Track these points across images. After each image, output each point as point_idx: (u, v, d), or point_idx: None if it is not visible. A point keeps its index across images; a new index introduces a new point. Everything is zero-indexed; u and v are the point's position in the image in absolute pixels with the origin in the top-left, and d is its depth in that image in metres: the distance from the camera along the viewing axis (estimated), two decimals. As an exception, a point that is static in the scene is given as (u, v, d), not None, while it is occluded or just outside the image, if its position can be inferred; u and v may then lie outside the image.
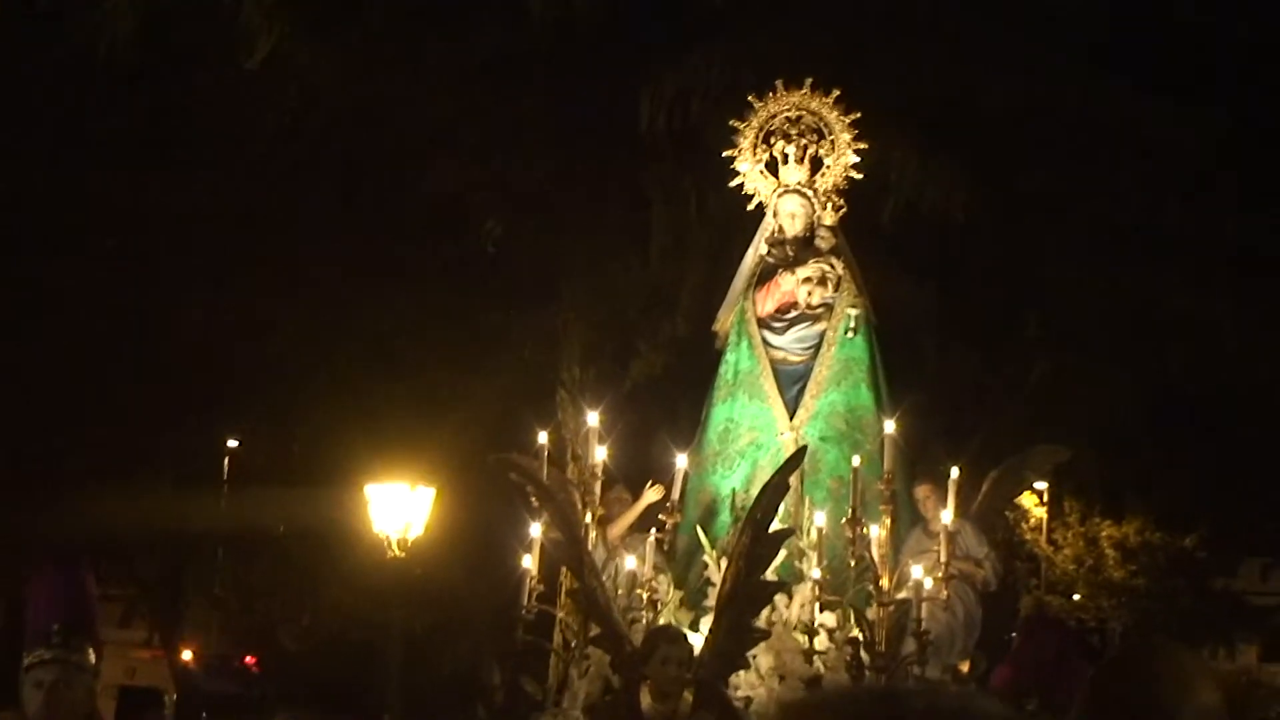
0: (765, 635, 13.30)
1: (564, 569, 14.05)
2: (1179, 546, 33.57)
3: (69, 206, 20.05)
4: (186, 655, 34.10)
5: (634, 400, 17.86)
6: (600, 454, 14.28)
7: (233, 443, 28.70)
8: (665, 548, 14.57)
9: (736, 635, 12.96)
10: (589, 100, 20.42)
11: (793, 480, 14.56)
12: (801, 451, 13.56)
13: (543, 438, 14.23)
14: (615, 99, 20.27)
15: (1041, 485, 32.03)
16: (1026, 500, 32.73)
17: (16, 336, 19.69)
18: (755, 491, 14.84)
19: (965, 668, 14.87)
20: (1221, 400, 26.80)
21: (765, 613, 13.76)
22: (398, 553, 23.54)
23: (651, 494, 14.77)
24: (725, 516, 14.77)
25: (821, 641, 13.82)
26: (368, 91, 19.97)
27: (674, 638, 12.65)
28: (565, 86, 20.26)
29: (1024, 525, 34.55)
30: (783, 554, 14.04)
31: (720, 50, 17.90)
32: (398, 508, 23.37)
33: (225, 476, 29.81)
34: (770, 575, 13.83)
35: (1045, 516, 34.94)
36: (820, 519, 14.00)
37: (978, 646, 15.09)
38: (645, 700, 12.49)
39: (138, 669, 32.26)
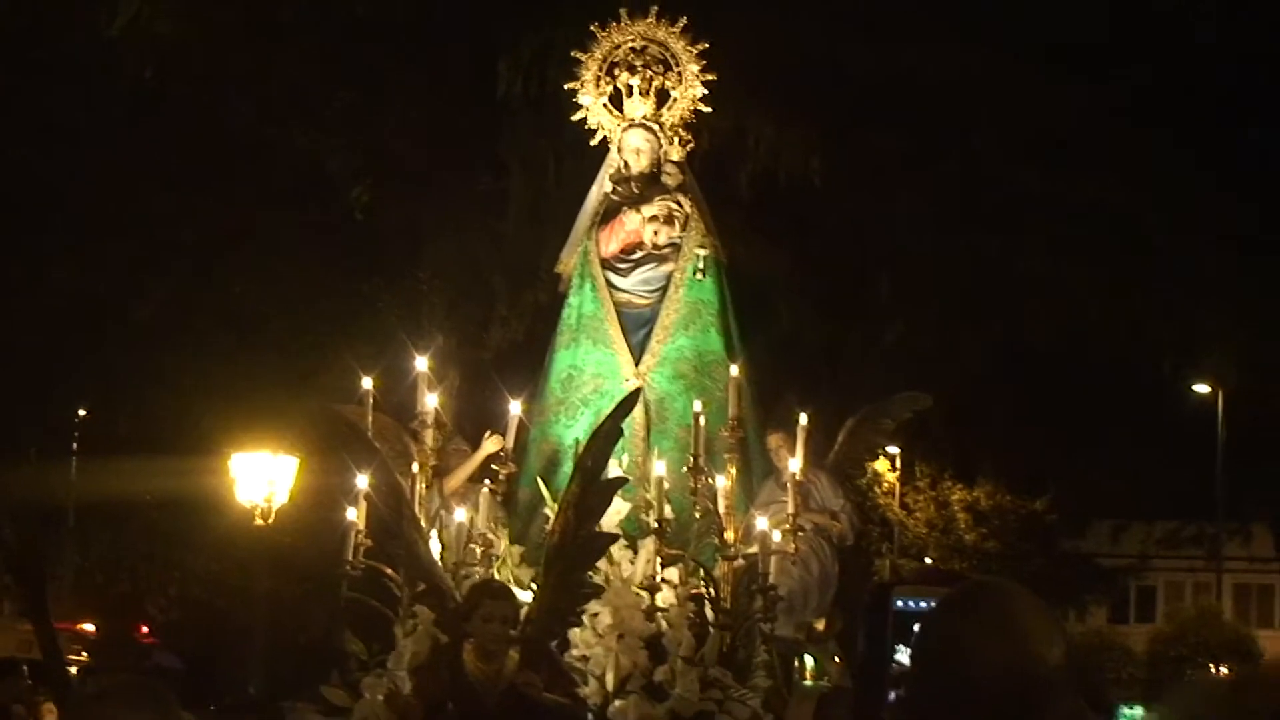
0: (598, 591, 11.45)
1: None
2: (1029, 510, 32.42)
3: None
4: (88, 627, 32.48)
5: (500, 368, 15.75)
6: (431, 401, 12.32)
7: (81, 412, 26.92)
8: (499, 499, 12.65)
9: (567, 591, 11.17)
10: (452, 65, 18.52)
11: (639, 429, 13.08)
12: (634, 395, 11.67)
13: (367, 383, 12.29)
14: (477, 64, 18.40)
15: (894, 450, 31.24)
16: (879, 465, 31.97)
17: None
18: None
19: (820, 625, 13.02)
20: (1070, 364, 25.50)
21: (604, 567, 11.95)
22: (262, 521, 22.01)
23: (490, 444, 12.85)
24: (568, 468, 12.77)
25: (664, 598, 11.90)
26: (232, 58, 18.02)
27: (496, 593, 10.80)
28: (429, 52, 18.34)
29: (877, 490, 33.29)
30: (627, 507, 12.44)
31: (575, 14, 15.78)
32: (262, 476, 21.83)
33: (77, 446, 27.93)
34: (613, 528, 12.14)
35: (897, 481, 33.64)
36: (661, 468, 12.11)
37: (834, 604, 13.19)
38: (470, 660, 10.53)
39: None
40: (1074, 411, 26.87)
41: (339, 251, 19.90)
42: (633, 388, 13.18)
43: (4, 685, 15.75)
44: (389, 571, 11.97)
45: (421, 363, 12.42)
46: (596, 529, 11.33)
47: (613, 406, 12.69)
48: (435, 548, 12.19)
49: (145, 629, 32.85)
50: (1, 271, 19.43)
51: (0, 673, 16.61)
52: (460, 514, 12.33)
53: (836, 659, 13.11)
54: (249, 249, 20.26)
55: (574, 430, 13.20)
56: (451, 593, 11.42)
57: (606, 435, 11.36)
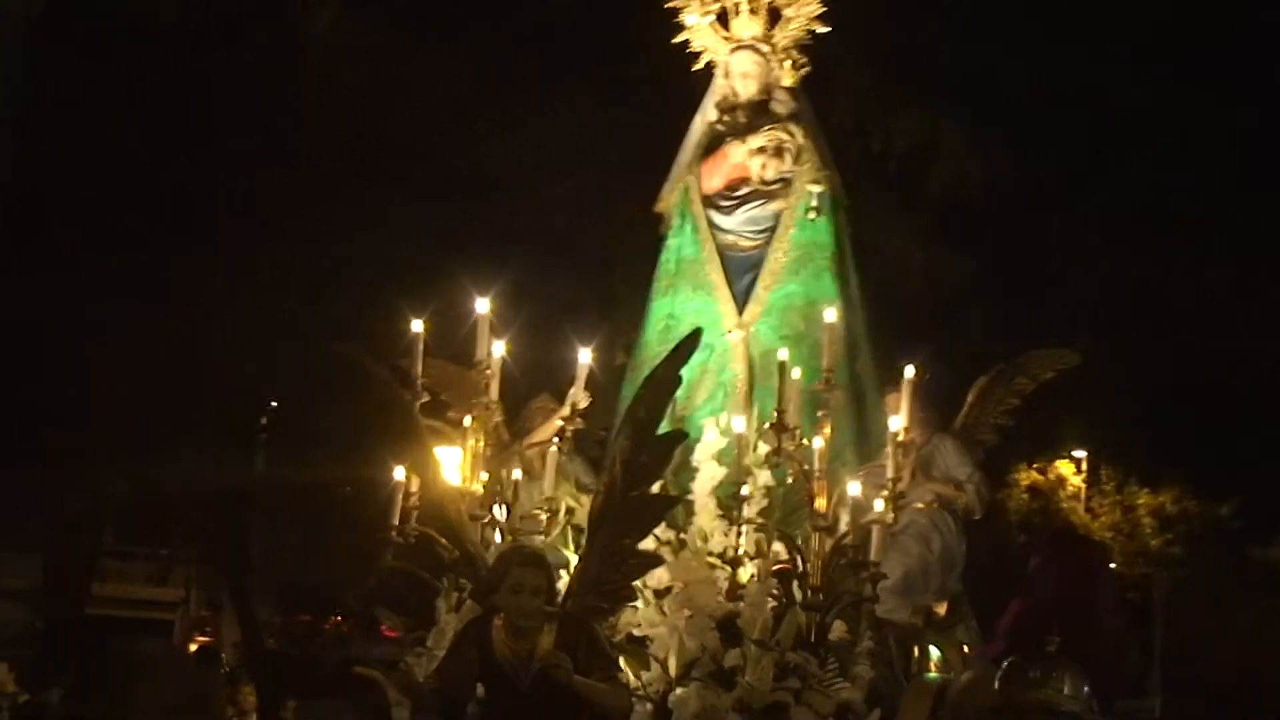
0: (653, 562, 8.56)
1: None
2: (1215, 515, 29.14)
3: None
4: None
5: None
6: (497, 349, 9.48)
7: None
8: (579, 460, 9.90)
9: (613, 561, 8.25)
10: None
11: (741, 385, 10.43)
12: (694, 337, 8.74)
13: (416, 326, 9.44)
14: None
15: (1080, 454, 28.60)
16: (1064, 468, 29.02)
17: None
18: (699, 398, 10.35)
19: (942, 610, 10.05)
20: (1258, 371, 22.26)
21: (671, 536, 9.08)
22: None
23: (579, 399, 9.87)
24: (664, 428, 9.86)
25: (745, 573, 9.02)
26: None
27: (528, 560, 7.93)
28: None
29: (1061, 493, 30.10)
30: (722, 471, 9.73)
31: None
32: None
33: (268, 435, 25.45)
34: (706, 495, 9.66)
35: (1084, 484, 30.45)
36: (741, 425, 9.30)
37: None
38: (498, 637, 7.66)
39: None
40: (1265, 415, 23.73)
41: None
42: (737, 340, 10.44)
43: (206, 671, 13.82)
44: (441, 539, 9.20)
45: (483, 304, 9.58)
46: (652, 490, 8.42)
47: (728, 363, 10.45)
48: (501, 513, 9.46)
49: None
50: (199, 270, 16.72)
51: (202, 659, 15.53)
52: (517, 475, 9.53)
53: (966, 648, 10.10)
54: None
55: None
56: (482, 559, 8.61)
57: (661, 382, 8.52)
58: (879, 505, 9.10)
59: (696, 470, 9.82)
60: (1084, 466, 28.93)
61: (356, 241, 14.66)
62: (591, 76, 14.26)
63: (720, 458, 9.82)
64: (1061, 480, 28.73)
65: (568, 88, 14.35)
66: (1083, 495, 29.53)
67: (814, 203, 10.61)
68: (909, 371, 9.62)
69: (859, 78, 14.59)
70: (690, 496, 9.69)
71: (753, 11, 10.84)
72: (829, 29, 10.93)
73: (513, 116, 13.95)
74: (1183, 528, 29.14)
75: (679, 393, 9.53)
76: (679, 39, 11.00)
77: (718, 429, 9.95)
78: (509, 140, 13.90)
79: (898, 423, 9.34)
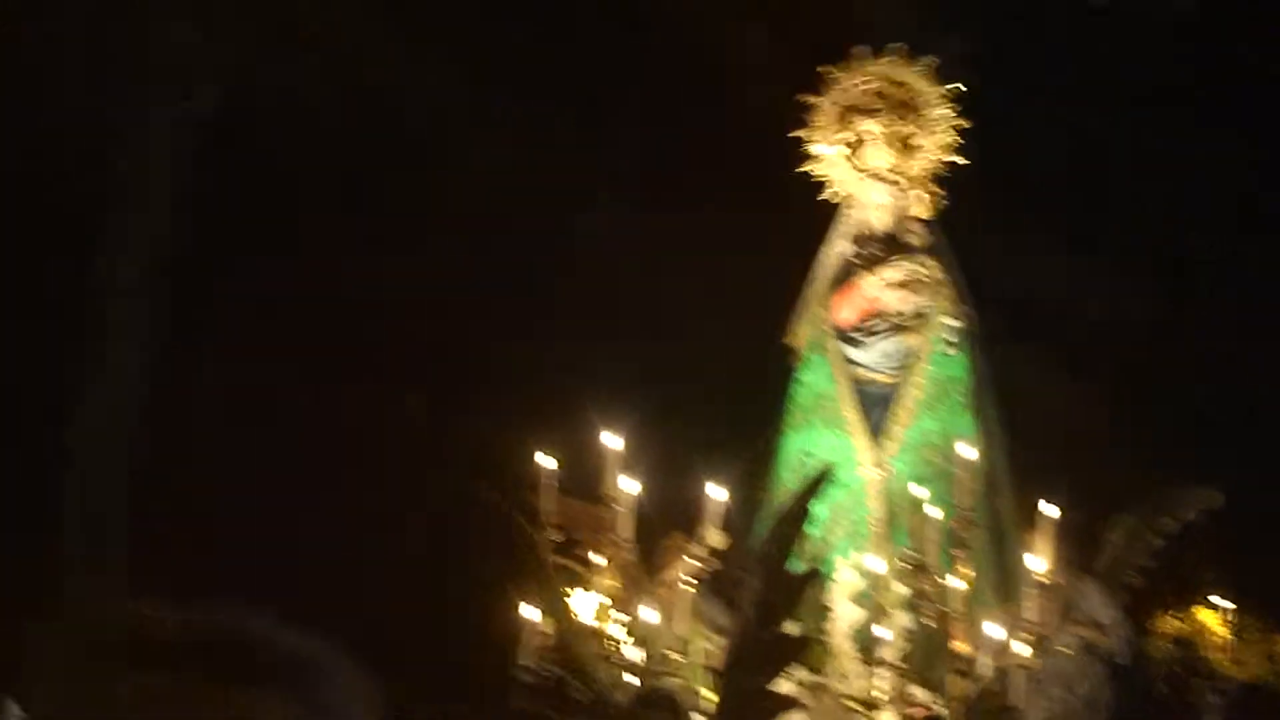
0: (788, 704, 8.30)
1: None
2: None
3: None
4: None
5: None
6: (630, 486, 9.33)
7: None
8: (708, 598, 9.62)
9: (747, 703, 7.97)
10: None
11: (877, 523, 10.12)
12: (824, 473, 8.56)
13: (547, 461, 9.27)
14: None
15: (1223, 602, 27.84)
16: (1206, 617, 28.29)
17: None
18: (835, 538, 10.11)
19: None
20: None
21: (807, 678, 8.89)
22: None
23: (713, 539, 9.66)
24: (798, 567, 9.65)
25: (883, 717, 8.77)
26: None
27: (654, 702, 7.74)
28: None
29: (1203, 642, 29.40)
30: (859, 612, 9.51)
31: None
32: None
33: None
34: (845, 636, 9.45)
35: (1228, 633, 29.79)
36: (881, 566, 9.08)
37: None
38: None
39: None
40: None
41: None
42: (872, 477, 10.19)
43: None
44: (572, 680, 9.00)
45: (613, 439, 9.41)
46: (785, 631, 8.21)
47: (864, 501, 10.19)
48: (635, 654, 9.23)
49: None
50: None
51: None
52: (648, 614, 9.30)
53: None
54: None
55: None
56: (609, 702, 8.39)
57: (793, 519, 8.31)
58: (1020, 648, 8.85)
59: (832, 611, 9.58)
60: (1230, 617, 28.37)
61: (489, 374, 14.58)
62: (723, 208, 14.15)
63: (857, 598, 9.60)
64: (1204, 628, 28.17)
65: (700, 220, 14.26)
66: (1230, 647, 28.87)
67: (950, 337, 10.42)
68: (1049, 510, 9.36)
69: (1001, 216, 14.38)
70: (826, 638, 9.44)
71: (885, 142, 10.68)
72: (965, 161, 10.76)
73: (646, 252, 13.85)
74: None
75: (813, 531, 9.38)
76: (809, 169, 10.86)
77: (854, 569, 9.73)
78: (644, 275, 13.83)
79: (1038, 563, 9.07)
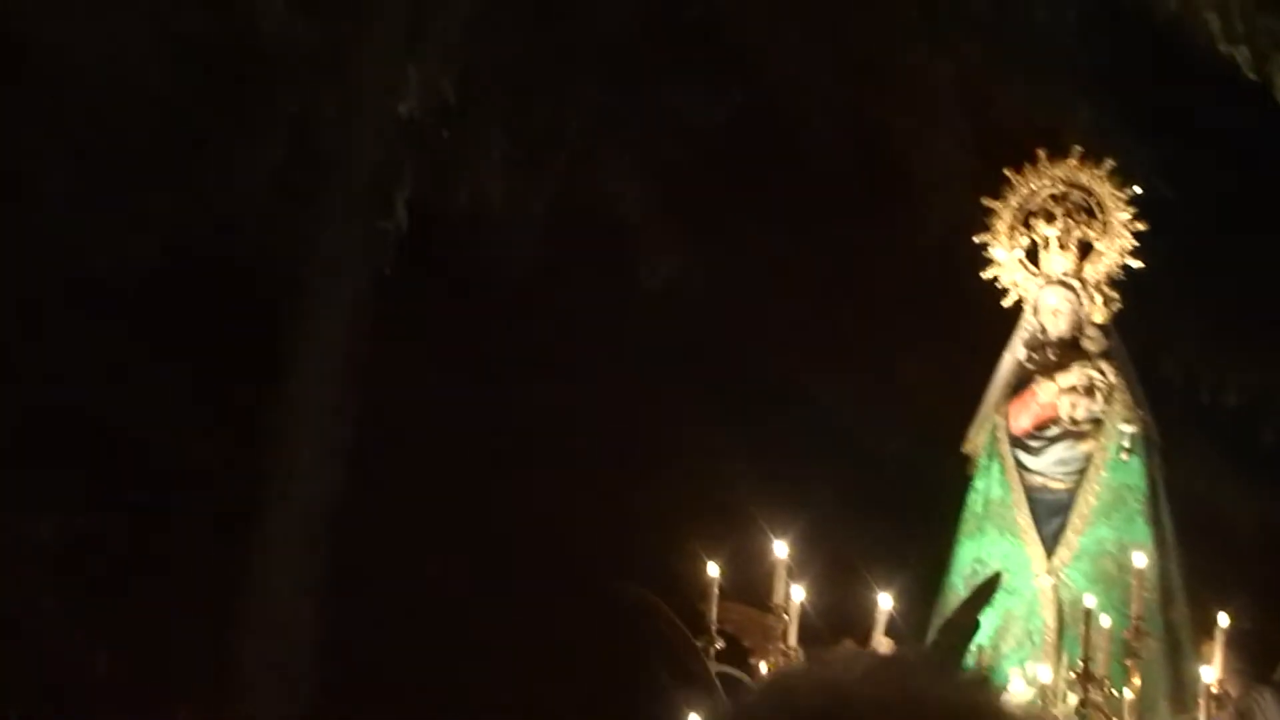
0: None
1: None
2: None
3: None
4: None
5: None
6: (797, 594, 9.28)
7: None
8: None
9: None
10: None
11: (1049, 634, 9.96)
12: (993, 581, 8.51)
13: (713, 569, 9.24)
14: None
15: None
16: None
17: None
18: (1006, 646, 9.98)
19: None
20: None
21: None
22: None
23: (882, 648, 9.60)
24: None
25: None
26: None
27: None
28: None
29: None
30: None
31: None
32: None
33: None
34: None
35: None
36: (1046, 674, 8.98)
37: None
38: None
39: None
40: None
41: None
42: (1046, 586, 10.07)
43: None
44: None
45: (780, 548, 9.39)
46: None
47: (1037, 611, 10.03)
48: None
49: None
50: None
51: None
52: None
53: None
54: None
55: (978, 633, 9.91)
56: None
57: (961, 627, 8.20)
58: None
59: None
60: None
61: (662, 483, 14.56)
62: (902, 313, 14.07)
63: (1027, 708, 9.44)
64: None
65: (877, 325, 14.18)
66: None
67: (1126, 443, 10.28)
68: (1223, 619, 9.20)
69: (1185, 323, 14.12)
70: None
71: (1062, 246, 10.60)
72: (1142, 264, 10.65)
73: (823, 357, 13.81)
74: None
75: (984, 639, 9.30)
76: (987, 275, 10.80)
77: (1024, 678, 9.60)
78: (819, 378, 13.78)
79: (1211, 673, 8.92)
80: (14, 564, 14.57)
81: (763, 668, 9.25)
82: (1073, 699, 9.26)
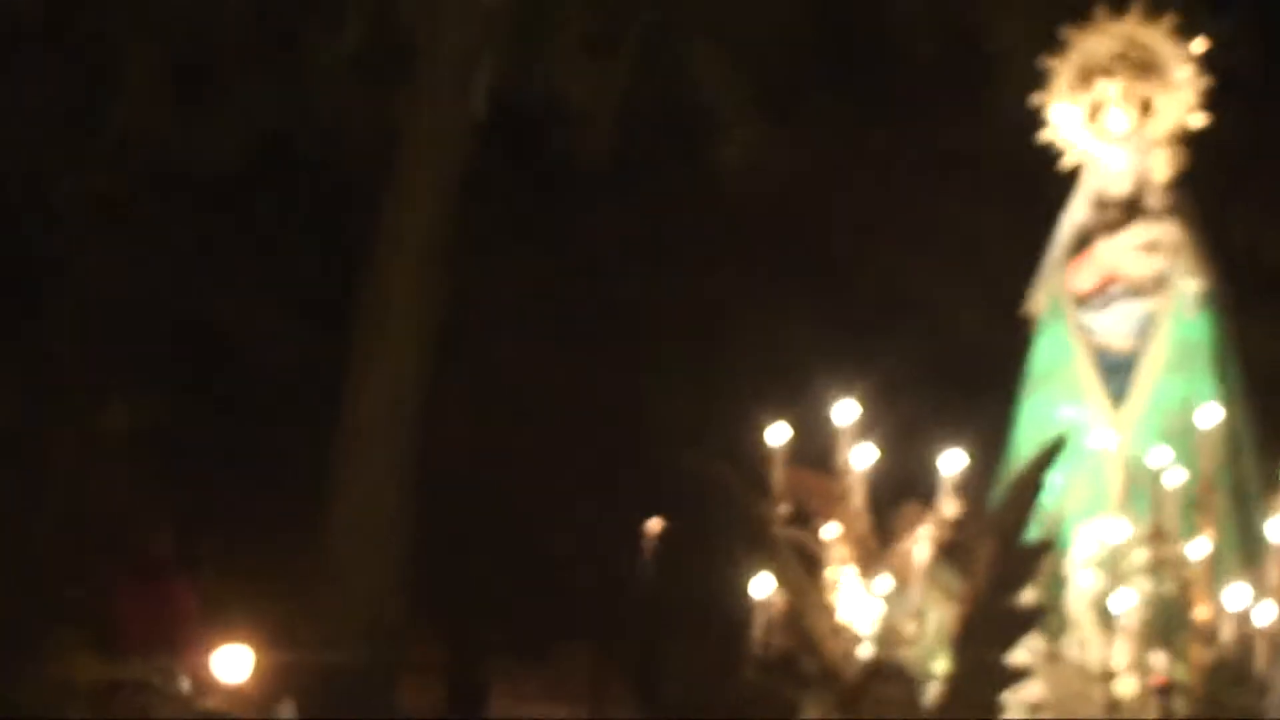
0: (1024, 674, 8.24)
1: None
2: None
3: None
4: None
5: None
6: (862, 458, 9.28)
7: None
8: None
9: (980, 674, 7.93)
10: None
11: (1114, 491, 9.86)
12: (1060, 440, 8.52)
13: (777, 436, 9.24)
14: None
15: None
16: None
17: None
18: (1073, 505, 9.98)
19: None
20: None
21: (1044, 647, 8.83)
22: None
23: (950, 509, 9.60)
24: (1034, 534, 9.55)
25: (1123, 687, 8.68)
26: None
27: (890, 674, 7.73)
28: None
29: None
30: (1098, 580, 9.27)
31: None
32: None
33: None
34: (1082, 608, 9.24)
35: None
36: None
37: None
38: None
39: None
40: None
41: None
42: (1111, 442, 10.01)
43: None
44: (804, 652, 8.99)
45: (844, 412, 9.39)
46: (1021, 600, 8.17)
47: (1103, 470, 9.96)
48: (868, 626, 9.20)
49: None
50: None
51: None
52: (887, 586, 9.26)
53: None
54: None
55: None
56: (839, 673, 8.38)
57: (1028, 486, 8.26)
58: (1264, 615, 8.69)
59: (1070, 580, 9.47)
60: None
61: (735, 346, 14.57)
62: (966, 178, 14.03)
63: (1095, 566, 9.46)
64: None
65: (942, 190, 14.16)
66: None
67: (1191, 300, 10.23)
68: (1290, 470, 9.20)
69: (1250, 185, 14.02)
70: (1063, 607, 9.35)
71: (1125, 103, 10.51)
72: (1206, 123, 10.55)
73: (887, 223, 13.81)
74: None
75: (1050, 499, 9.31)
76: (1048, 135, 10.73)
77: (1092, 536, 9.59)
78: (883, 246, 13.78)
79: (1275, 527, 8.91)
80: (97, 451, 14.78)
81: (829, 532, 9.29)
82: (1141, 556, 9.26)
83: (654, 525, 11.04)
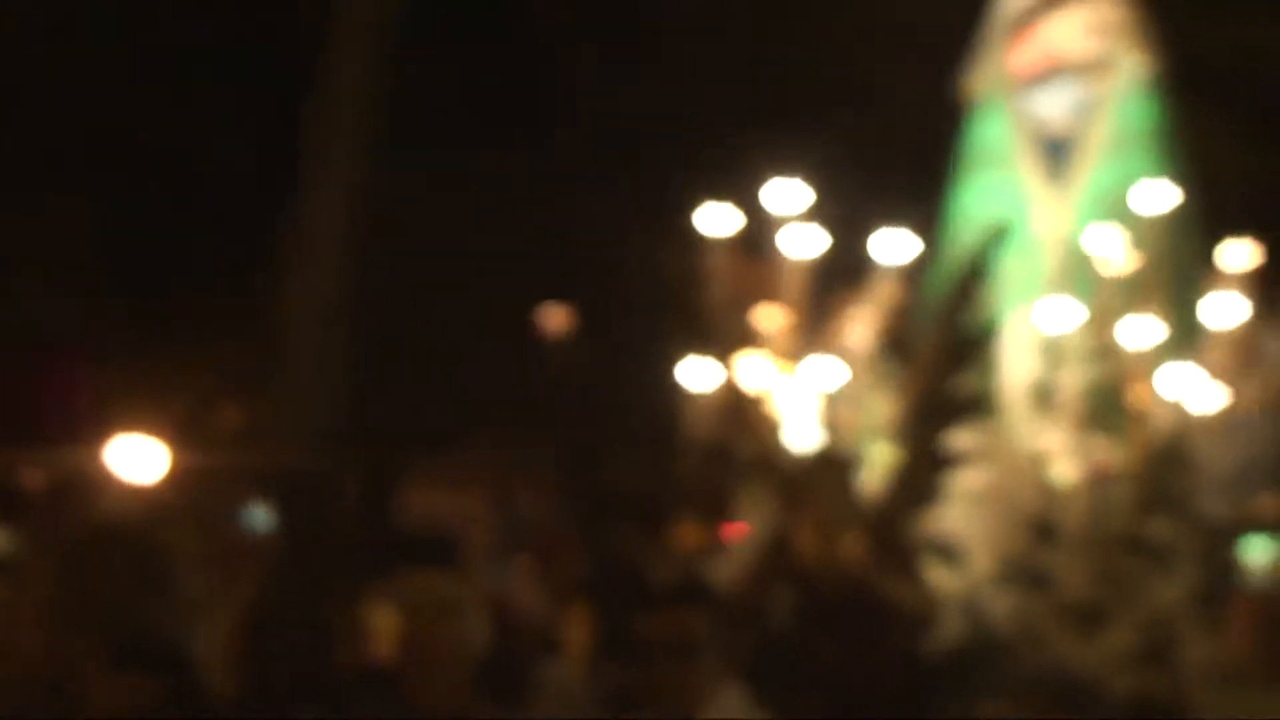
0: (965, 459, 8.33)
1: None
2: None
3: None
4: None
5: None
6: (803, 243, 9.27)
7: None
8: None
9: (925, 460, 8.01)
10: None
11: (1050, 274, 9.88)
12: (1004, 226, 8.55)
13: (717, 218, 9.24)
14: None
15: None
16: None
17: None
18: (1013, 290, 9.98)
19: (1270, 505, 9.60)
20: None
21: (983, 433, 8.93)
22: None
23: (886, 294, 9.65)
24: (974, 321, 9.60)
25: (1062, 470, 8.78)
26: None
27: (833, 462, 7.73)
28: None
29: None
30: (1036, 365, 9.40)
31: None
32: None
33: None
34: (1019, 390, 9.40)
35: None
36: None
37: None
38: (804, 541, 7.57)
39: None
40: None
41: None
42: (1050, 226, 10.04)
43: None
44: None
45: (774, 194, 9.36)
46: (962, 386, 8.24)
47: (1040, 256, 9.96)
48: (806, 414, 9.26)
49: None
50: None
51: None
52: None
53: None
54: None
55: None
56: (780, 462, 8.43)
57: (970, 273, 8.25)
58: (1202, 398, 8.77)
59: (1008, 366, 9.52)
60: None
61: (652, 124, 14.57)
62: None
63: (1034, 351, 9.51)
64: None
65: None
66: None
67: (1134, 83, 10.19)
68: (1233, 257, 9.22)
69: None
70: (1003, 391, 9.39)
71: None
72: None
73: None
74: None
75: (991, 284, 9.32)
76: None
77: (1032, 321, 9.62)
78: (816, 23, 13.69)
79: (1224, 312, 8.98)
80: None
81: (767, 318, 9.31)
82: (1080, 341, 9.31)
83: (556, 314, 10.93)
